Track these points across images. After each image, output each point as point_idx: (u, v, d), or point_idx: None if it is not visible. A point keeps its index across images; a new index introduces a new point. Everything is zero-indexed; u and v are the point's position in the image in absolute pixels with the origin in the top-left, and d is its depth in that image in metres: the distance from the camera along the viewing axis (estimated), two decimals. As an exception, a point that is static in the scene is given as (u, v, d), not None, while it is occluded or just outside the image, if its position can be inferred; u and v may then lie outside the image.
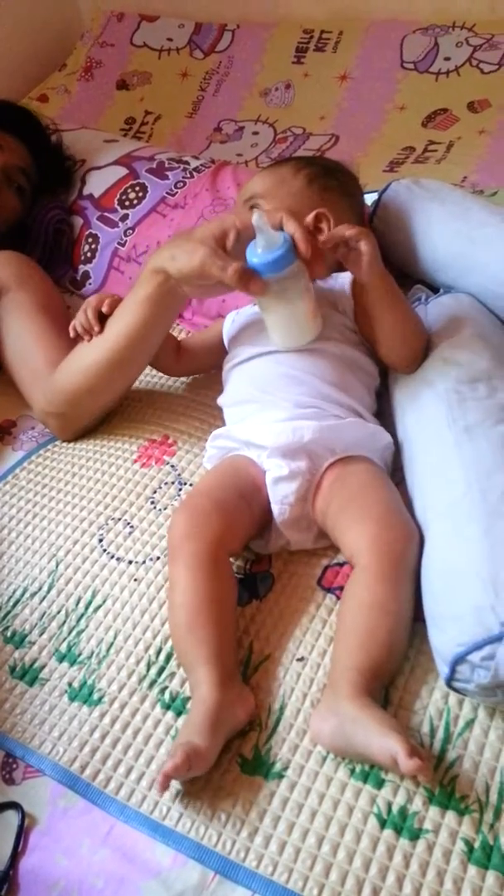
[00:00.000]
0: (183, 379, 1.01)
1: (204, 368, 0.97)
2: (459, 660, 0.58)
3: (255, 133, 1.50)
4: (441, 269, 0.89)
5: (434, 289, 0.90)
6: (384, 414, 0.83)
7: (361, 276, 0.77)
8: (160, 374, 1.00)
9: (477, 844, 0.55)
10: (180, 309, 0.91)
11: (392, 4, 1.47)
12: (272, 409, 0.78)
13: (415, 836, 0.56)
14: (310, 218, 0.79)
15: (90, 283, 1.20)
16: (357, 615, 0.64)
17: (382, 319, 0.79)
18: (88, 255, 1.20)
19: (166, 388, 1.00)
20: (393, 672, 0.64)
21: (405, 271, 0.95)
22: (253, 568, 0.76)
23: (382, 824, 0.56)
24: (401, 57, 1.44)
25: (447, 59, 1.41)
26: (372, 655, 0.61)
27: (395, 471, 0.78)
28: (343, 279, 0.84)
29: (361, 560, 0.66)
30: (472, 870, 0.54)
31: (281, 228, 0.73)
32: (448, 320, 0.82)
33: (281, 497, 0.73)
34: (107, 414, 0.97)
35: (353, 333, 0.83)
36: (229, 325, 0.90)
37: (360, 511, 0.69)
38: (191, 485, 0.85)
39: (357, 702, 0.58)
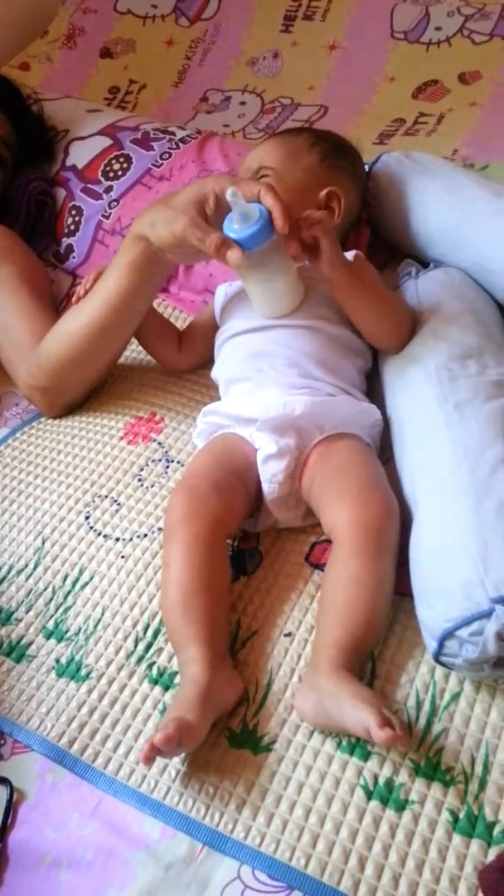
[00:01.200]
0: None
1: (206, 356, 0.92)
2: (448, 635, 0.58)
3: (243, 103, 1.46)
4: (432, 244, 0.88)
5: (425, 263, 0.89)
6: (373, 390, 0.82)
7: (322, 271, 0.75)
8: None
9: (462, 814, 0.55)
10: (165, 275, 0.90)
11: (382, -28, 1.44)
12: (266, 387, 0.77)
13: (401, 807, 0.56)
14: (323, 194, 0.78)
15: (74, 257, 1.18)
16: (335, 591, 0.64)
17: (357, 308, 0.79)
18: (72, 227, 1.18)
19: (153, 364, 0.99)
20: (374, 645, 0.64)
21: (395, 245, 0.94)
22: (241, 544, 0.76)
23: (369, 796, 0.57)
24: (391, 26, 1.41)
25: (438, 28, 1.38)
26: (350, 631, 0.62)
27: (385, 448, 0.78)
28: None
29: (339, 537, 0.67)
30: (457, 838, 0.54)
31: (257, 200, 0.71)
32: (438, 296, 0.82)
33: (270, 475, 0.73)
34: (93, 390, 0.96)
35: (348, 311, 0.83)
36: (220, 298, 0.89)
37: (339, 488, 0.69)
38: (178, 462, 0.85)
39: (334, 677, 0.59)
